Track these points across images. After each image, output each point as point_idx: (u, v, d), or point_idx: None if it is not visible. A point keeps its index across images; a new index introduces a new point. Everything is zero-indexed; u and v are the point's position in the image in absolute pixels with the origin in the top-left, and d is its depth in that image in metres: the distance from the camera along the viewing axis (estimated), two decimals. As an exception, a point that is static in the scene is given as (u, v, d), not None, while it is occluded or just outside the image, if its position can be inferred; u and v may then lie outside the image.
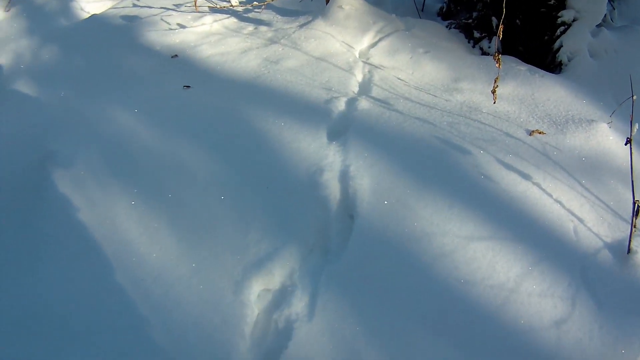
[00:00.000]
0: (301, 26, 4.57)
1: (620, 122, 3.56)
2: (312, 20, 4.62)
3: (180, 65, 4.24)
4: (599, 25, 4.43)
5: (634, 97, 2.85)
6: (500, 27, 3.25)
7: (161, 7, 5.25)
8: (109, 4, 6.05)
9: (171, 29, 4.76)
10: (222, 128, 3.36)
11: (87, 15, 5.72)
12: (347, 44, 4.34)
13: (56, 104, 3.93)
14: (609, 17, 4.95)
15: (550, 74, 4.16)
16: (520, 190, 2.88)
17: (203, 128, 3.37)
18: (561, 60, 4.31)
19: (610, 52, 4.43)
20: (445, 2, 5.38)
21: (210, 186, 2.96)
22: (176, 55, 4.35)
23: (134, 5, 5.45)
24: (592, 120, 3.50)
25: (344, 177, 2.96)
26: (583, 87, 3.99)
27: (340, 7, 4.53)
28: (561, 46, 4.32)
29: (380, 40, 4.45)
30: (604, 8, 4.30)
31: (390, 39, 4.44)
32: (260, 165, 3.07)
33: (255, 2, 4.69)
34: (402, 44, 4.39)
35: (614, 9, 5.08)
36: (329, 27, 4.48)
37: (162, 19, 4.96)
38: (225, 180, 2.99)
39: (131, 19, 5.10)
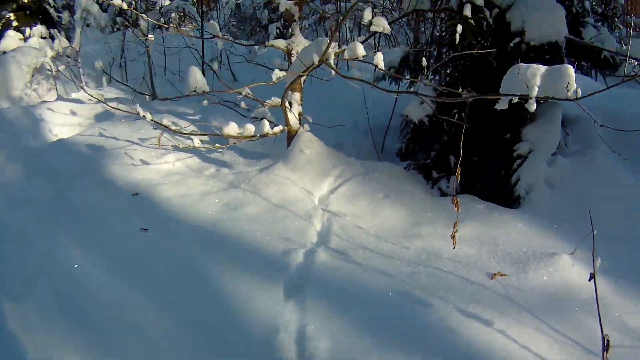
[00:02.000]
0: (262, 170, 4.63)
1: (584, 249, 3.51)
2: (273, 164, 4.68)
3: (140, 204, 4.22)
4: (553, 153, 4.51)
5: (595, 232, 2.88)
6: (458, 169, 3.32)
7: (126, 140, 5.32)
8: (77, 129, 6.13)
9: (134, 164, 4.79)
10: (176, 280, 3.27)
11: (55, 139, 5.77)
12: (306, 190, 4.38)
13: (12, 229, 3.90)
14: (562, 143, 5.01)
15: (509, 209, 4.20)
16: (485, 341, 2.78)
17: (156, 278, 3.30)
18: (519, 194, 4.35)
19: (567, 179, 4.46)
20: (403, 143, 5.52)
21: (159, 344, 2.83)
22: (137, 194, 4.34)
23: (101, 135, 5.52)
24: (554, 254, 3.49)
25: (301, 338, 2.86)
26: (542, 219, 4.02)
27: (301, 151, 4.62)
28: (518, 179, 4.37)
29: (339, 185, 4.50)
30: (558, 136, 4.41)
31: (349, 184, 4.50)
32: (213, 325, 2.95)
33: (217, 145, 4.77)
34: (361, 189, 4.45)
35: (568, 134, 5.17)
36: (290, 171, 4.54)
37: (126, 153, 5.00)
38: (176, 340, 2.86)
39: (96, 149, 5.14)
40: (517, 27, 4.36)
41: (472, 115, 4.12)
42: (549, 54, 4.32)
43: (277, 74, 4.32)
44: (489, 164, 4.58)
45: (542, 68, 3.01)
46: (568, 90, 2.86)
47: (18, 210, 4.21)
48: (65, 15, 12.84)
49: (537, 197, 4.30)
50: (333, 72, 4.05)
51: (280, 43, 5.00)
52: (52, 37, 11.74)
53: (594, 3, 14.06)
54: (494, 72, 4.26)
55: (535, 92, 2.96)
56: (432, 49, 5.69)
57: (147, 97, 5.08)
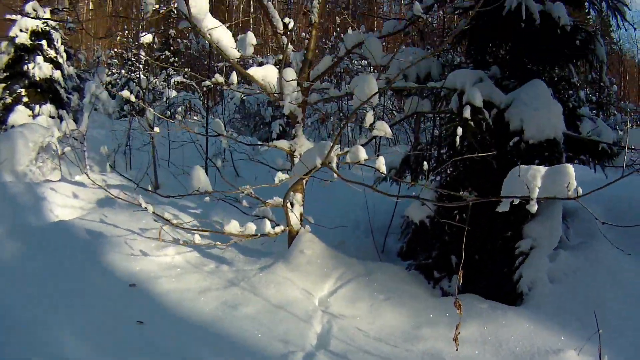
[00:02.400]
0: (262, 269, 4.65)
1: (591, 344, 3.46)
2: (274, 263, 4.70)
3: (137, 296, 4.20)
4: (555, 248, 4.50)
5: (601, 332, 2.88)
6: (461, 272, 3.32)
7: (127, 229, 5.34)
8: (78, 212, 6.17)
9: (133, 255, 4.80)
10: (171, 378, 3.25)
11: (56, 219, 5.79)
12: (307, 290, 4.38)
13: (7, 311, 3.83)
14: (564, 236, 4.92)
15: (512, 307, 4.19)
16: None
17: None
18: (522, 291, 4.34)
19: (570, 274, 4.42)
20: (404, 243, 5.58)
21: None
22: (134, 285, 4.34)
23: (101, 221, 5.54)
24: (559, 350, 3.48)
25: None
26: (546, 316, 4.00)
27: (302, 251, 4.67)
28: (521, 277, 4.37)
29: (340, 287, 4.51)
30: (559, 232, 4.44)
31: (350, 286, 4.51)
32: None
33: (218, 243, 4.82)
34: (362, 290, 4.46)
35: (569, 227, 5.15)
36: (290, 272, 4.55)
37: (126, 242, 5.02)
38: None
39: (96, 235, 5.15)
40: (516, 126, 4.50)
41: (473, 215, 4.10)
42: (547, 151, 4.45)
43: (280, 176, 4.44)
44: (490, 262, 4.61)
45: (542, 169, 3.08)
46: (569, 190, 2.92)
47: (14, 291, 4.16)
48: (74, 97, 13.25)
49: (540, 293, 4.28)
50: (335, 175, 4.17)
51: (284, 144, 5.16)
52: (61, 118, 12.09)
53: (588, 92, 14.64)
54: (494, 171, 4.40)
55: (536, 193, 3.02)
56: (432, 150, 5.88)
57: (150, 187, 5.16)
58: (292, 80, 4.73)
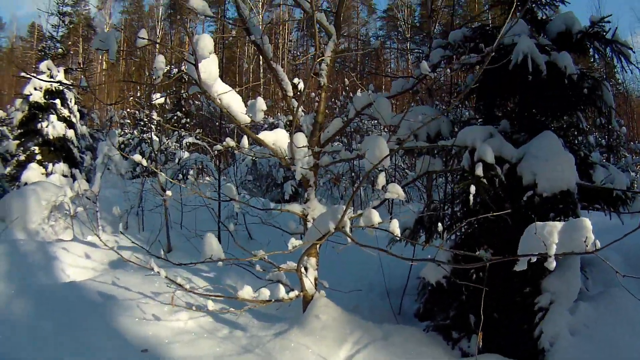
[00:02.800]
0: (277, 335, 4.56)
1: None
2: (289, 329, 4.62)
3: (149, 363, 4.14)
4: (575, 300, 4.42)
5: None
6: (480, 334, 3.24)
7: (139, 292, 5.30)
8: (90, 273, 6.14)
9: (145, 319, 4.75)
10: None
11: (68, 280, 5.76)
12: (322, 356, 4.28)
13: None
14: (583, 287, 4.85)
15: None
16: None
17: None
18: (543, 347, 4.25)
19: (590, 325, 4.35)
20: (421, 303, 5.49)
21: None
22: (146, 350, 4.28)
23: (113, 283, 5.51)
24: None
25: None
26: None
27: (317, 316, 4.59)
28: (542, 333, 4.28)
29: (357, 351, 4.40)
30: (578, 284, 4.35)
31: (367, 351, 4.40)
32: None
33: (231, 309, 4.75)
34: (379, 354, 4.35)
35: (588, 278, 5.08)
36: (305, 337, 4.45)
37: (138, 306, 4.97)
38: None
39: (108, 298, 5.11)
40: (529, 180, 4.46)
41: (490, 272, 4.10)
42: (562, 203, 4.40)
43: (293, 242, 4.37)
44: (509, 319, 4.52)
45: (558, 225, 3.01)
46: (586, 244, 2.85)
47: (25, 351, 4.12)
48: (87, 157, 13.43)
49: (561, 347, 4.20)
50: (349, 239, 4.11)
51: (296, 208, 5.13)
52: (73, 177, 12.24)
53: (598, 136, 14.63)
54: (509, 227, 4.36)
55: (553, 250, 2.95)
56: (446, 208, 5.84)
57: (162, 251, 5.13)
58: (303, 146, 4.75)
